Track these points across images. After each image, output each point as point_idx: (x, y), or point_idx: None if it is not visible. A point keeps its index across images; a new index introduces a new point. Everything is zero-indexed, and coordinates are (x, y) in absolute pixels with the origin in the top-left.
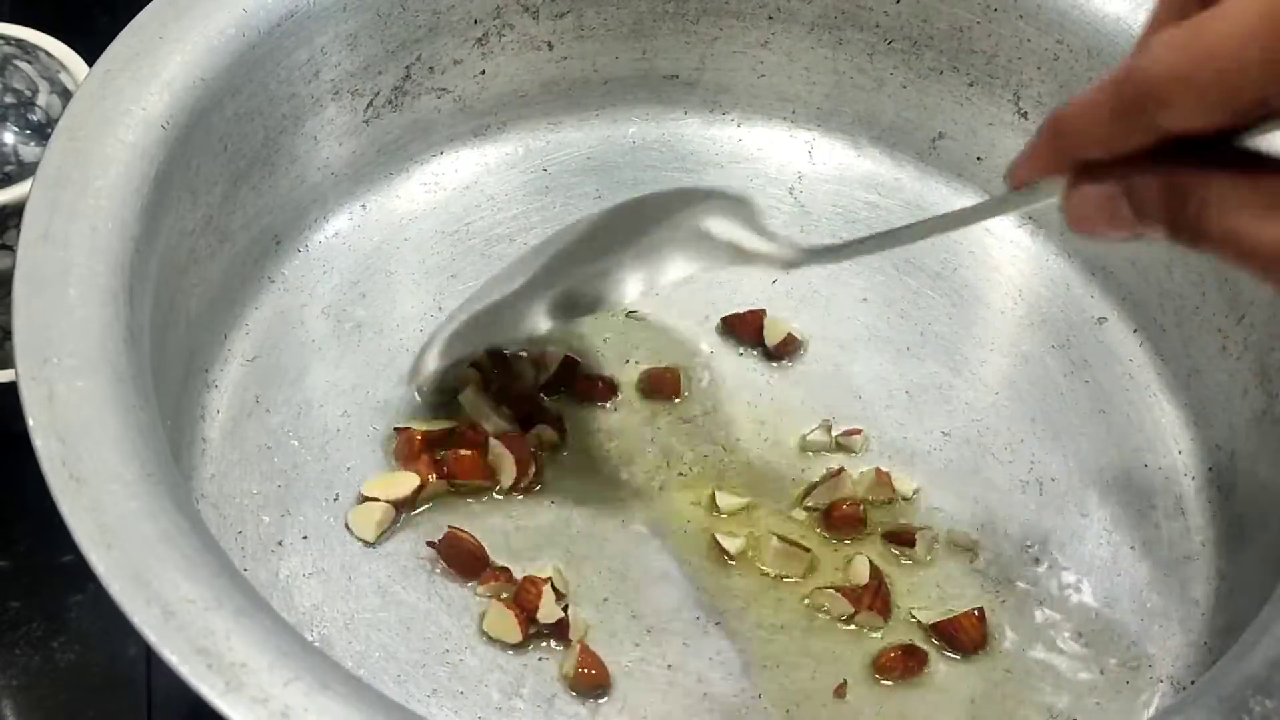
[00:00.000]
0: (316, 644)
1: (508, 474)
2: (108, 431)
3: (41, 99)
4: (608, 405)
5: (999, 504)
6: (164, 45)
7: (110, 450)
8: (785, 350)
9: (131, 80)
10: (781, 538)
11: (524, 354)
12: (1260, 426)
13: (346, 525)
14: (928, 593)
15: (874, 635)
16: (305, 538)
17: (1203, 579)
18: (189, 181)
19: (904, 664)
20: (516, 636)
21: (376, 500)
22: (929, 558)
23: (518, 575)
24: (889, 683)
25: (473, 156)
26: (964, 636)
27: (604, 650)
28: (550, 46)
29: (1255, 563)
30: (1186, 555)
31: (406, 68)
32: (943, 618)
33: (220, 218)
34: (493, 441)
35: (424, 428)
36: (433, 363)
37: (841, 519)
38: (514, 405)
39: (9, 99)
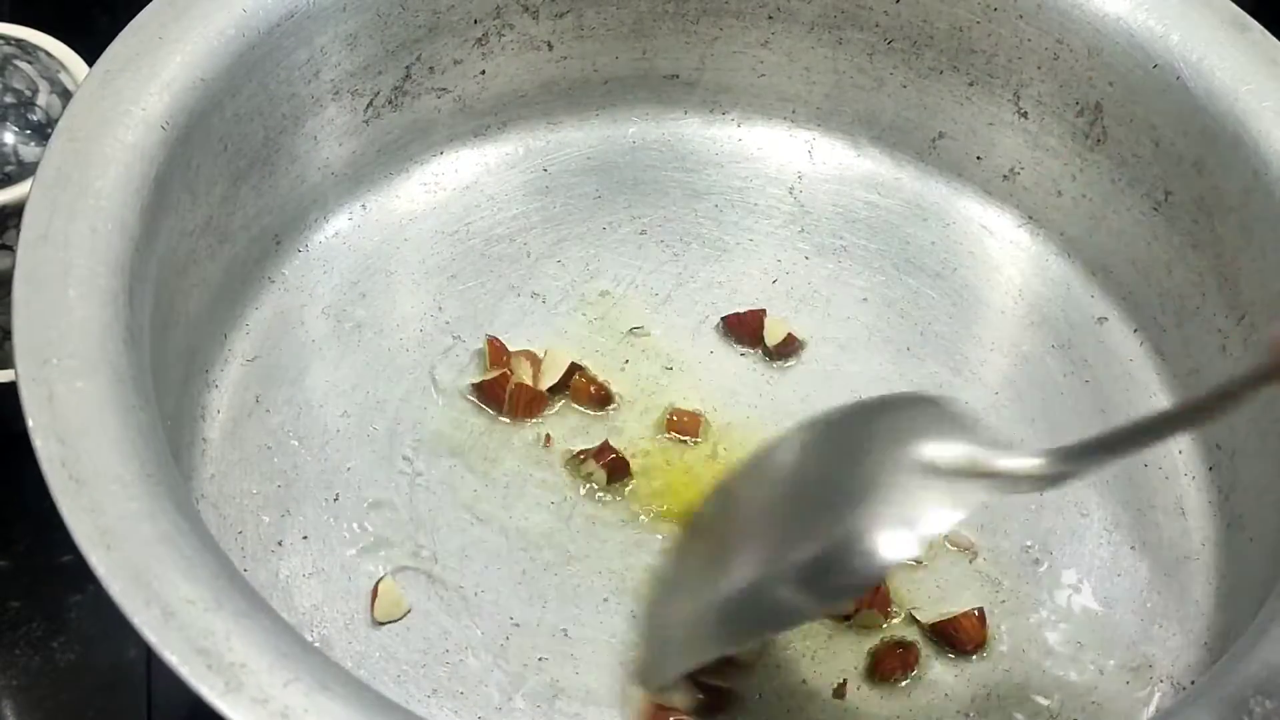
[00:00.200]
0: (316, 644)
1: None
2: (107, 432)
3: (41, 99)
4: (604, 412)
5: (999, 504)
6: (164, 45)
7: (110, 451)
8: (785, 350)
9: (131, 80)
10: None
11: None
12: (1260, 426)
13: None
14: (927, 593)
15: (873, 635)
16: (305, 538)
17: (1203, 579)
18: (189, 182)
19: (902, 662)
20: None
21: None
22: (929, 557)
23: None
24: (888, 684)
25: (473, 156)
26: (964, 636)
27: (602, 652)
28: (550, 46)
29: (1255, 563)
30: (1186, 555)
31: (406, 68)
32: (942, 618)
33: (220, 218)
34: None
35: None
36: (677, 666)
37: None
38: (519, 402)
39: (9, 99)
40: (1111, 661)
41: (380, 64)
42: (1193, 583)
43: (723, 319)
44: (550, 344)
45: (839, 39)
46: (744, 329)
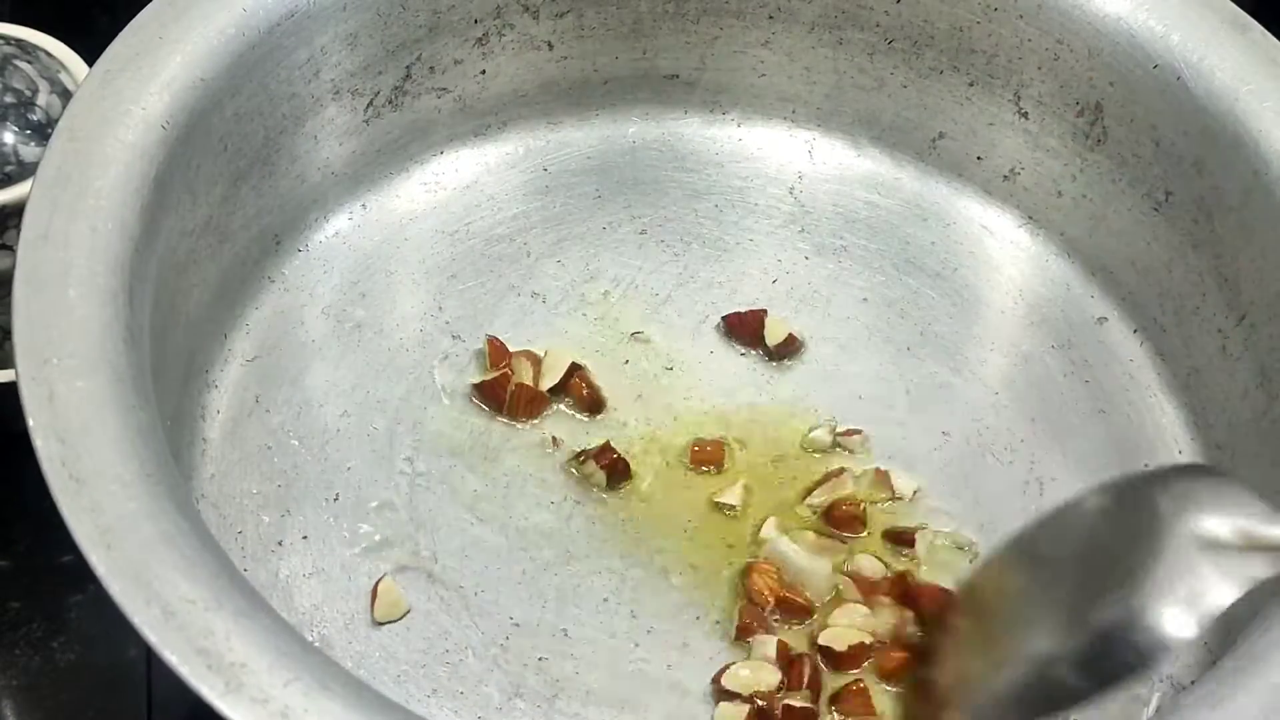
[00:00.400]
0: (316, 644)
1: None
2: (107, 432)
3: (41, 99)
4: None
5: (999, 504)
6: (164, 45)
7: (110, 450)
8: (785, 350)
9: (131, 80)
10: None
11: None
12: (1260, 426)
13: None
14: None
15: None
16: (305, 538)
17: None
18: (189, 181)
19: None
20: None
21: None
22: (929, 557)
23: None
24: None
25: (473, 156)
26: (926, 601)
27: (602, 652)
28: (550, 46)
29: None
30: None
31: (406, 68)
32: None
33: (220, 218)
34: None
35: None
36: None
37: (841, 519)
38: (519, 402)
39: (9, 99)
40: None
41: (380, 64)
42: None
43: (723, 319)
44: (550, 344)
45: (839, 39)
46: (744, 329)
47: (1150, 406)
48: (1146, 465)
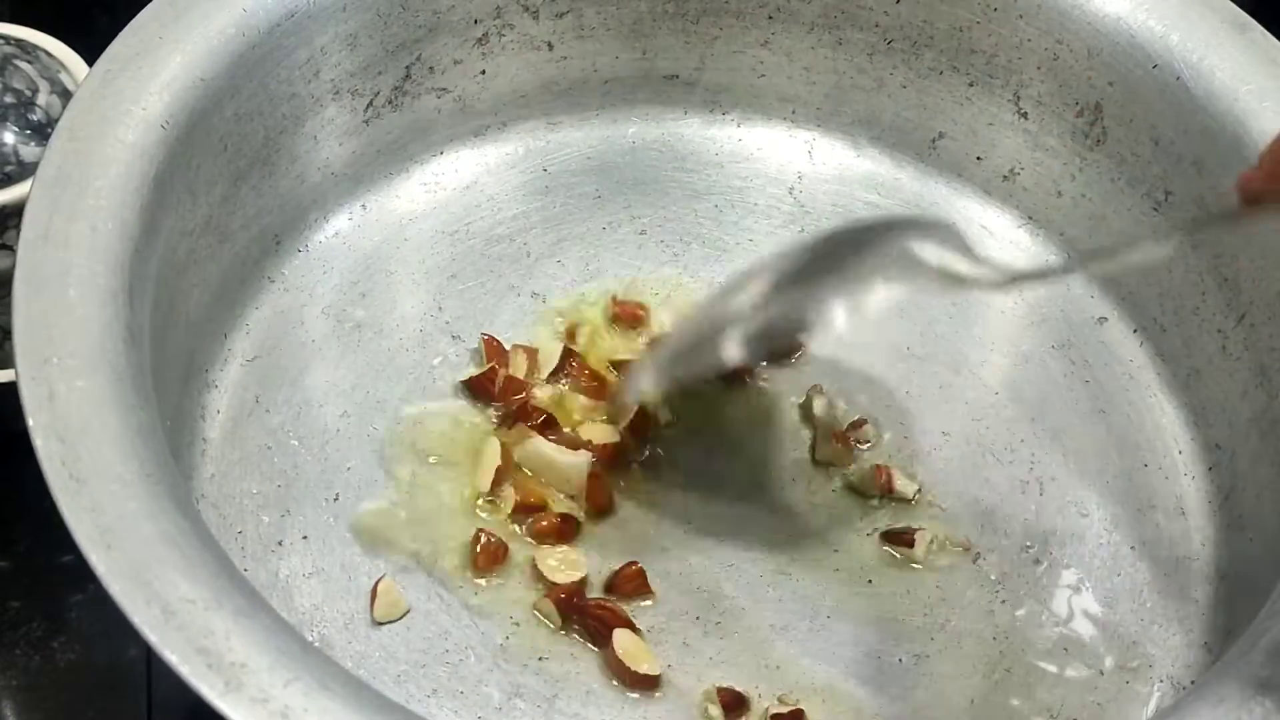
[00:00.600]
0: (316, 644)
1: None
2: (107, 431)
3: (41, 99)
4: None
5: (999, 504)
6: (164, 45)
7: (110, 450)
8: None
9: (131, 80)
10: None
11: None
12: (1260, 426)
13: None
14: (928, 593)
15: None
16: (305, 538)
17: (1203, 579)
18: (189, 181)
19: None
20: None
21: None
22: (928, 558)
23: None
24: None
25: (473, 156)
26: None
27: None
28: (550, 46)
29: (1255, 563)
30: (1186, 555)
31: (406, 68)
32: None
33: (220, 218)
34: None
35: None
36: (649, 383)
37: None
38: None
39: (9, 99)
40: (1111, 661)
41: (380, 64)
42: (1193, 583)
43: None
44: (549, 344)
45: (839, 39)
46: None
47: (1150, 406)
48: (1146, 466)
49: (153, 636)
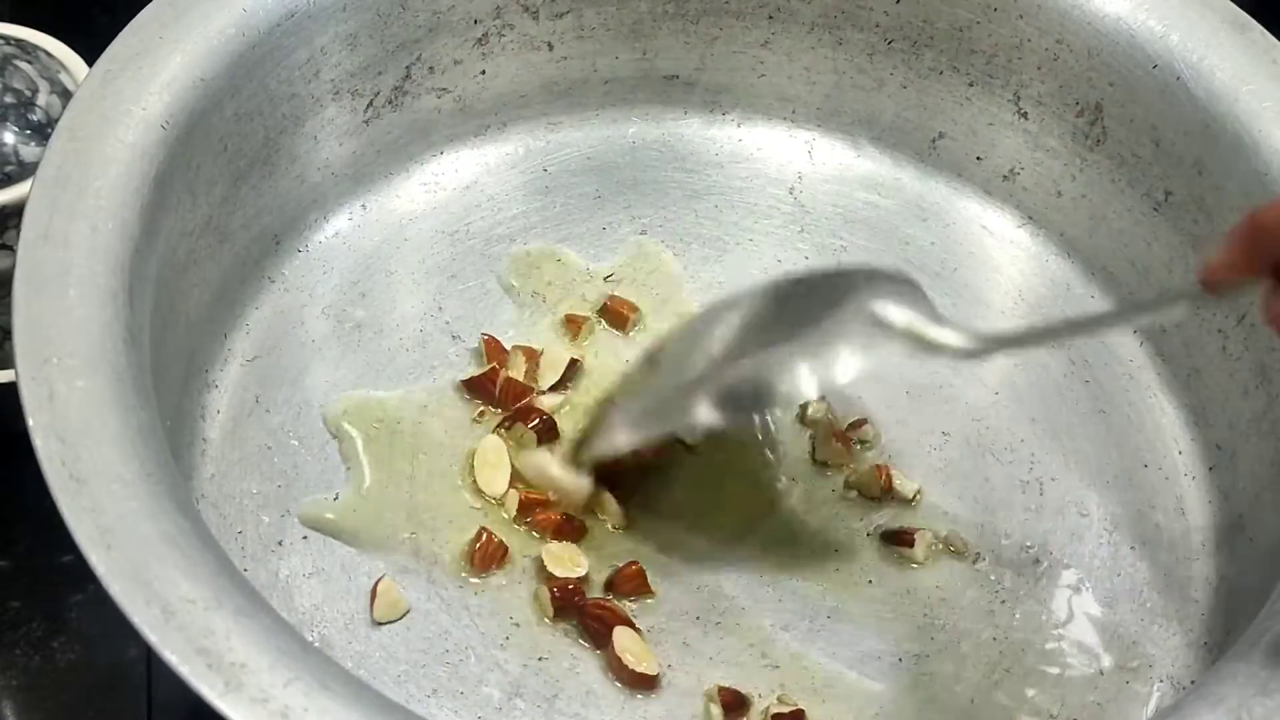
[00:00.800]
0: (316, 644)
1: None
2: (108, 431)
3: (41, 99)
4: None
5: (999, 504)
6: (164, 45)
7: (110, 450)
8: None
9: (131, 80)
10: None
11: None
12: (1260, 426)
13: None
14: (928, 593)
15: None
16: (305, 538)
17: (1203, 579)
18: (189, 181)
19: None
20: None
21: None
22: (927, 559)
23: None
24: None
25: (473, 156)
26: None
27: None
28: (550, 46)
29: (1255, 563)
30: (1186, 555)
31: (406, 68)
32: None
33: (220, 218)
34: None
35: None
36: (620, 440)
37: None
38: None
39: (9, 99)
40: (1111, 661)
41: (380, 64)
42: (1193, 583)
43: None
44: (550, 344)
45: (839, 39)
46: None
47: (1150, 406)
48: (1146, 466)
49: (153, 636)
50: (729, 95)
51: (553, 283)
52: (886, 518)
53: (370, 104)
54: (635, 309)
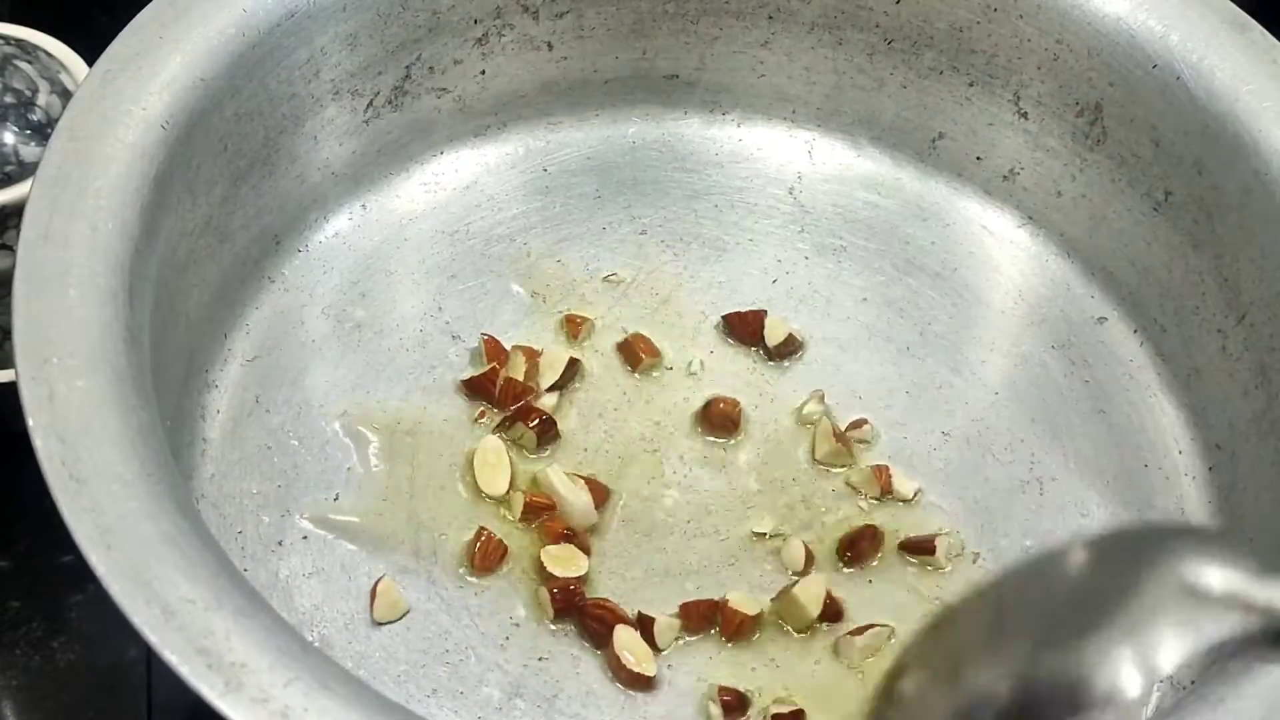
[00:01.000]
0: (316, 644)
1: None
2: (107, 432)
3: (41, 99)
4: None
5: (999, 504)
6: (164, 45)
7: (110, 450)
8: (785, 350)
9: (131, 80)
10: None
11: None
12: (1260, 426)
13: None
14: (928, 593)
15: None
16: (305, 538)
17: None
18: (189, 181)
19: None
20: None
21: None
22: (950, 564)
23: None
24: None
25: (473, 156)
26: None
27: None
28: (550, 46)
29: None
30: None
31: (406, 68)
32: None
33: (220, 218)
34: None
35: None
36: None
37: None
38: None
39: (9, 99)
40: None
41: (380, 64)
42: None
43: (723, 318)
44: (550, 344)
45: (839, 39)
46: (744, 329)
47: (1150, 406)
48: (1146, 466)
49: (153, 637)
50: (729, 95)
51: (552, 283)
52: (887, 518)
53: (370, 104)
54: (656, 354)
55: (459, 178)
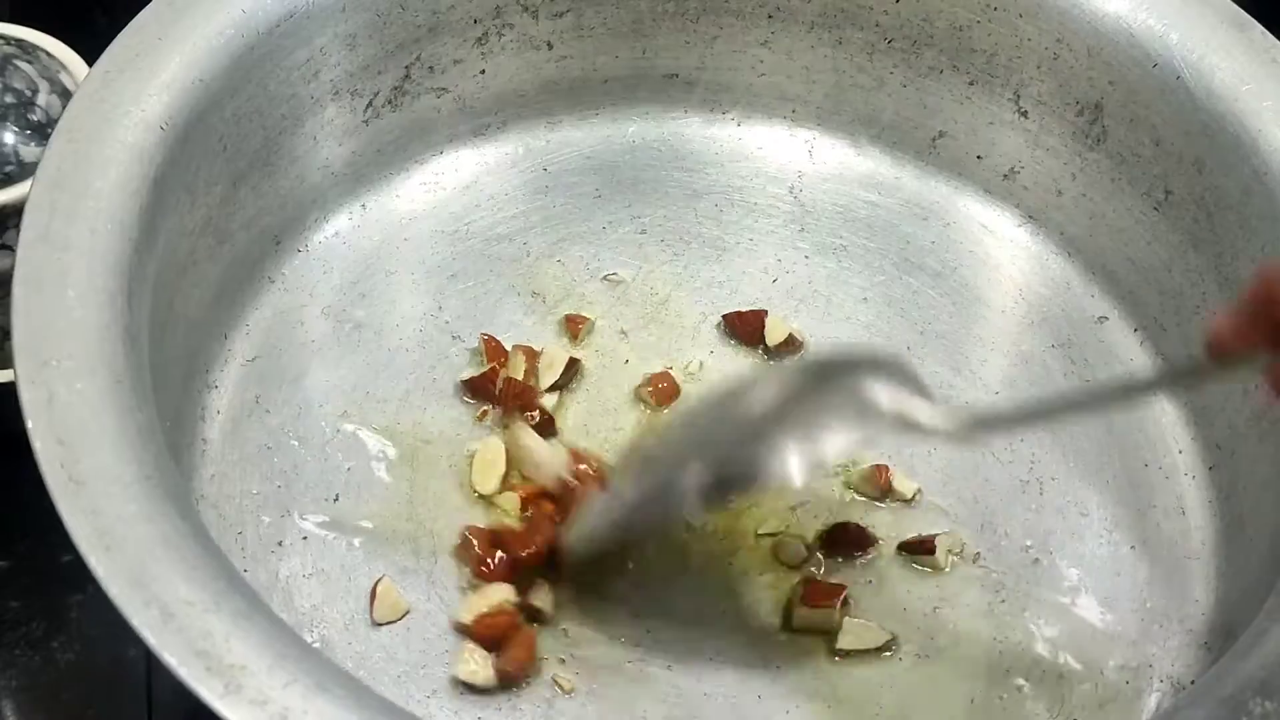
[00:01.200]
0: (316, 645)
1: None
2: (106, 433)
3: (41, 99)
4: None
5: (999, 504)
6: (163, 46)
7: (109, 452)
8: (785, 350)
9: (131, 81)
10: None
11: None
12: (1260, 426)
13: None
14: (928, 592)
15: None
16: (305, 538)
17: (1203, 579)
18: (188, 182)
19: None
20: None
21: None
22: (949, 564)
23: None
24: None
25: (473, 156)
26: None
27: (602, 652)
28: (550, 46)
29: (1255, 563)
30: (1186, 555)
31: (406, 68)
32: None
33: (220, 218)
34: None
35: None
36: (600, 534)
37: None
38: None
39: (9, 99)
40: (1111, 661)
41: (380, 64)
42: (1193, 583)
43: (723, 318)
44: (550, 344)
45: (839, 38)
46: (744, 328)
47: (1150, 406)
48: (1146, 466)
49: (152, 639)
50: (729, 94)
51: (552, 283)
52: (886, 517)
53: (370, 104)
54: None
55: (459, 177)
